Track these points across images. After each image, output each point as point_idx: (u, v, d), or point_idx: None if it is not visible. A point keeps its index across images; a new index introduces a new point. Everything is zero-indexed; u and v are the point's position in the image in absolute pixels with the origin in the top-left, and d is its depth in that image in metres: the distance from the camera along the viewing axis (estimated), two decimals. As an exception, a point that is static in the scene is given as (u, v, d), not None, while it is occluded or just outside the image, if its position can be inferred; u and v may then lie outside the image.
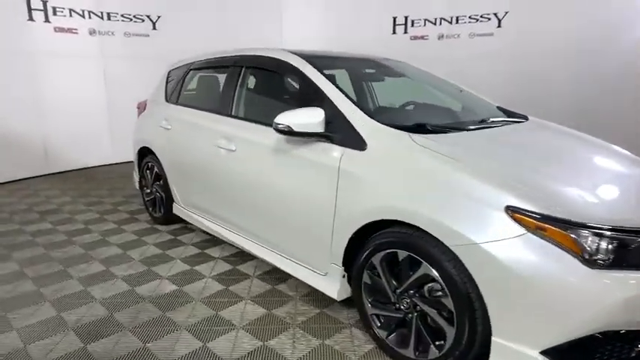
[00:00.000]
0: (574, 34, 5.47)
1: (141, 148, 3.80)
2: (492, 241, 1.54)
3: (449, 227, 1.64)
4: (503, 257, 1.51)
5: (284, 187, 2.36)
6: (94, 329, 2.22)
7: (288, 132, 2.12)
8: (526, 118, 2.72)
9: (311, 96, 2.32)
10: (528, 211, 1.52)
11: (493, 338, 1.60)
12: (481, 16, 6.27)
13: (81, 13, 5.79)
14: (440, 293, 1.75)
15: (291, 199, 2.32)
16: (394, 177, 1.89)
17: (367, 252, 1.98)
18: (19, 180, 5.41)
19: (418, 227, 1.74)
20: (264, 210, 2.53)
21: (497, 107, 2.95)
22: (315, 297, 2.53)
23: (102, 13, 5.97)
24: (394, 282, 1.94)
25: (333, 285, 2.19)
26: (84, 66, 5.89)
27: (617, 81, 5.22)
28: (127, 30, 6.20)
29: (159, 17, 6.40)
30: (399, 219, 1.81)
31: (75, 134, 5.89)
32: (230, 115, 2.87)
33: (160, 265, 2.98)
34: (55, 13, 5.54)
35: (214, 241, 3.38)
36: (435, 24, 6.66)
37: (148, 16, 6.34)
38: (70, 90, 5.75)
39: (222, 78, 3.38)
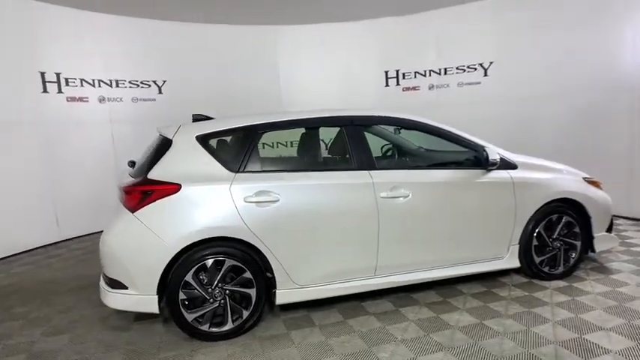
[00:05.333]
0: (555, 77, 5.85)
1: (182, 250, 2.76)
2: None
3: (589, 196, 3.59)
4: None
5: (476, 207, 3.32)
6: None
7: (495, 165, 3.28)
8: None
9: (463, 145, 3.42)
10: None
11: None
12: (468, 67, 6.70)
13: (91, 82, 6.10)
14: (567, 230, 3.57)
15: (482, 214, 3.34)
16: (543, 176, 3.49)
17: (535, 223, 3.44)
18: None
19: (567, 200, 3.50)
20: (451, 235, 3.29)
21: None
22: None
23: (111, 80, 6.30)
24: (550, 233, 3.52)
25: (513, 259, 3.46)
26: (94, 132, 6.14)
27: (599, 120, 5.51)
28: (134, 95, 6.52)
29: (164, 82, 6.74)
30: (569, 197, 3.50)
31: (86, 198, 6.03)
32: (384, 168, 3.26)
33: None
34: (67, 84, 5.84)
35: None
36: (424, 75, 7.08)
37: (154, 81, 6.68)
38: (80, 154, 5.96)
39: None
